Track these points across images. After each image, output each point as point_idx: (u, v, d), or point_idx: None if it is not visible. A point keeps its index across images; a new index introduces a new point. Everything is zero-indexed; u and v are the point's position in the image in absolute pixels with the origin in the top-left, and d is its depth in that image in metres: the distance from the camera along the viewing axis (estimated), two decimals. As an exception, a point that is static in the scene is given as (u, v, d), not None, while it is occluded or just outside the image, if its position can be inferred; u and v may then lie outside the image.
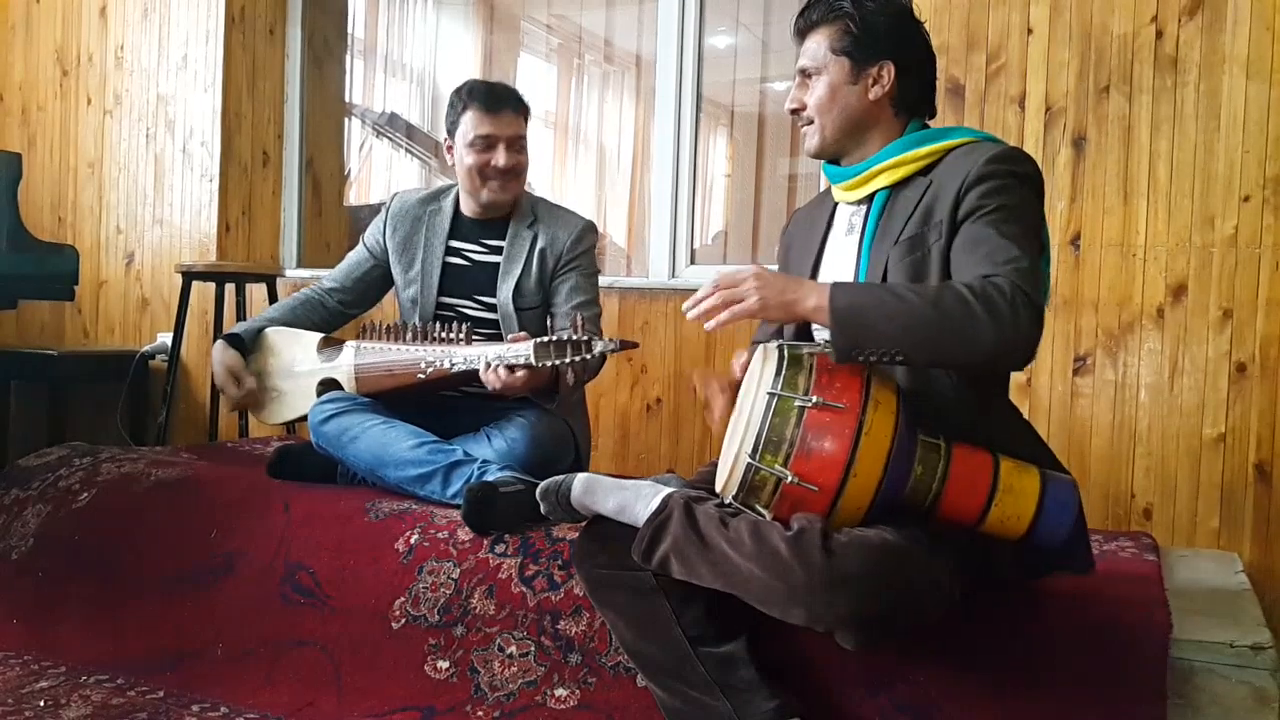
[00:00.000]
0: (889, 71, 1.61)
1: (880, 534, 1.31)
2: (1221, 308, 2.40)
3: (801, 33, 1.66)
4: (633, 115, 4.86)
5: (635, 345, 1.98)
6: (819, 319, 1.38)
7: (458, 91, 2.29)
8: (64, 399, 3.59)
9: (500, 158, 2.23)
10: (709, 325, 1.40)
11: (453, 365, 2.11)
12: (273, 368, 2.38)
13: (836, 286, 1.39)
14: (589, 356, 1.92)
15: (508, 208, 2.33)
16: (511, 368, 1.98)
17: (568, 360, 1.93)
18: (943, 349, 1.35)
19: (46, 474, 2.50)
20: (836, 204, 1.71)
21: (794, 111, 1.67)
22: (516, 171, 2.27)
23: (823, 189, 1.77)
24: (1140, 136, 2.48)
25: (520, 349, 1.97)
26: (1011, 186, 1.47)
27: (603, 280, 3.07)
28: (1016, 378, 2.49)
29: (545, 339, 1.95)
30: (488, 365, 2.01)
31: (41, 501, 2.40)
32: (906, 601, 1.31)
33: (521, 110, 2.29)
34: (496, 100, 2.24)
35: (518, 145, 2.27)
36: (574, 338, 1.93)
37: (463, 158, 2.26)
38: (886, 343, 1.33)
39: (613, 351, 1.93)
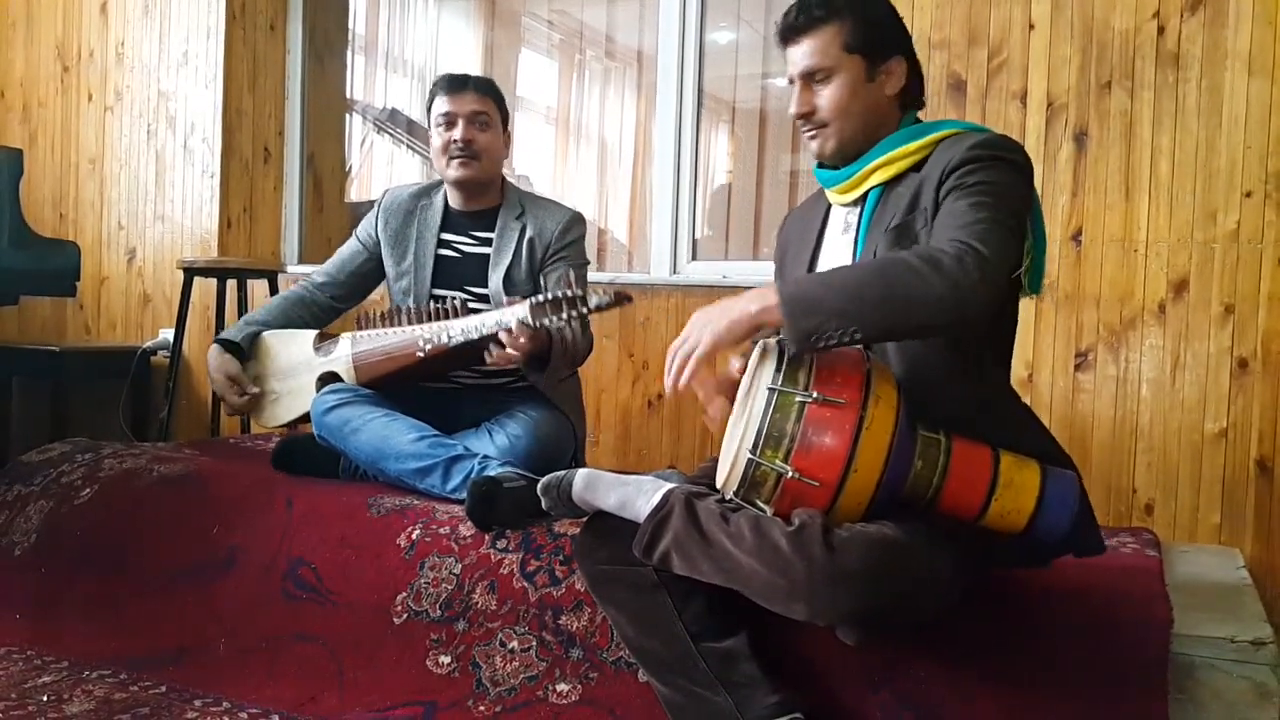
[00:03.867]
0: (901, 67, 1.59)
1: (881, 529, 1.31)
2: (1223, 303, 2.40)
3: (797, 32, 1.58)
4: (634, 111, 4.85)
5: (629, 299, 1.98)
6: (770, 318, 1.35)
7: (432, 84, 2.35)
8: (66, 395, 3.59)
9: (458, 131, 2.26)
10: (681, 384, 1.38)
11: (450, 338, 2.11)
12: (270, 371, 2.38)
13: (779, 282, 1.40)
14: (585, 311, 1.92)
15: (479, 190, 2.34)
16: (504, 340, 1.98)
17: (564, 317, 1.93)
18: (894, 315, 1.33)
19: (49, 470, 2.50)
20: (830, 205, 1.70)
21: (804, 116, 1.59)
22: (474, 149, 2.27)
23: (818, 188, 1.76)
24: (1142, 132, 2.48)
25: (516, 310, 1.98)
26: (992, 167, 1.45)
27: (604, 276, 3.08)
28: (1017, 373, 2.49)
29: (540, 298, 1.95)
30: (485, 332, 2.01)
31: (44, 497, 2.41)
32: (908, 596, 1.31)
33: (486, 91, 2.31)
34: (458, 83, 2.30)
35: (478, 122, 2.28)
36: (568, 294, 1.93)
37: (433, 141, 2.32)
38: (839, 320, 1.30)
39: (608, 306, 1.93)
